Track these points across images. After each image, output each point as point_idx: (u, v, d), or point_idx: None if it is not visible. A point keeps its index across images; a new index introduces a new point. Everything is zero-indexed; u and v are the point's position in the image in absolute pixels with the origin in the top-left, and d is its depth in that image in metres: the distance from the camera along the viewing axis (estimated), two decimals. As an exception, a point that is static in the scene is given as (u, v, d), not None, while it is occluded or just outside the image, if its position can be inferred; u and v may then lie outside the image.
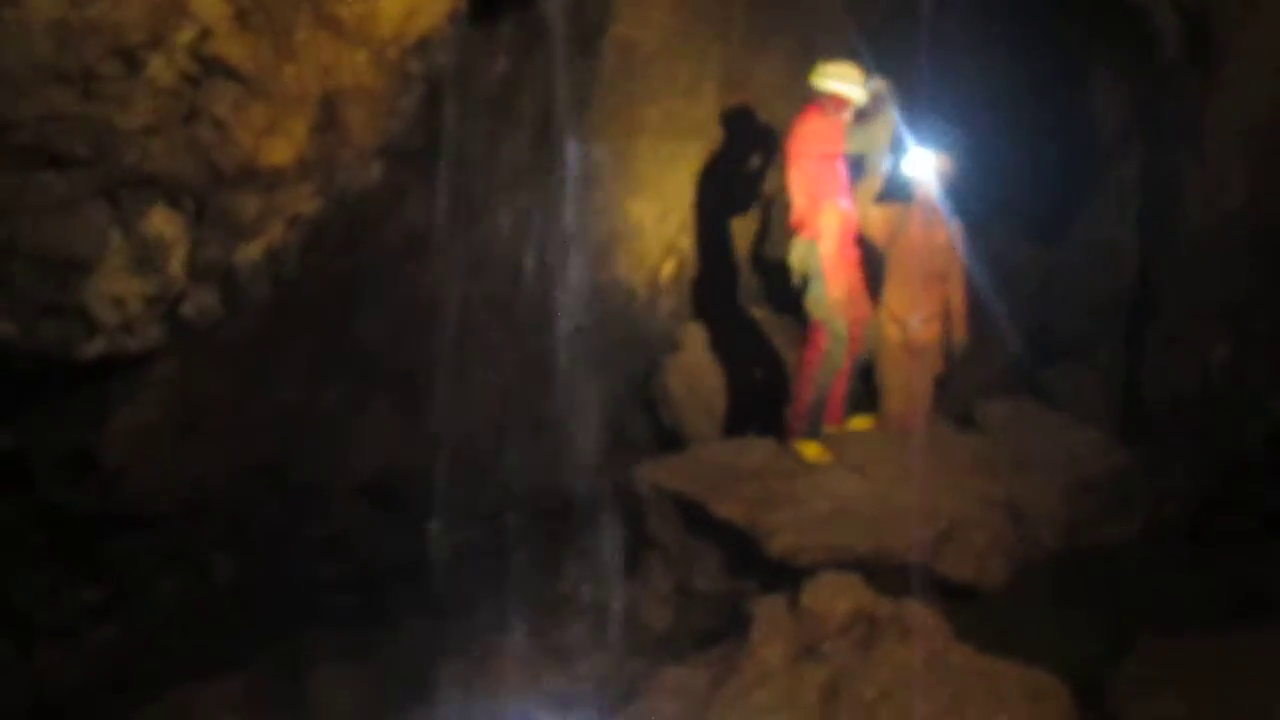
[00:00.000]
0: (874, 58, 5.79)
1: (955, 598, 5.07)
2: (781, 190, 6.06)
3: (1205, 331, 6.04)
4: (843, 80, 5.56)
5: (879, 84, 5.63)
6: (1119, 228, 6.74)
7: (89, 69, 2.38)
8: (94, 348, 2.82)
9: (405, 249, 5.13)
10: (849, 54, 5.79)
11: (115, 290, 2.75)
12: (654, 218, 6.56)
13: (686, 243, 6.88)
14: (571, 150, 5.70)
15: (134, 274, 2.76)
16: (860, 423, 6.21)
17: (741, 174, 6.87)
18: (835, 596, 4.74)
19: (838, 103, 5.59)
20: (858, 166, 5.80)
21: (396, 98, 3.21)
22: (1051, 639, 4.96)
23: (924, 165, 6.02)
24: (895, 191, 6.12)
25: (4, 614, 4.88)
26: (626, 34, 5.78)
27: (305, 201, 3.10)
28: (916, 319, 6.12)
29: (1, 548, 4.80)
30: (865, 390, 6.36)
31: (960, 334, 6.25)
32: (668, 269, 6.78)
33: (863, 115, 5.67)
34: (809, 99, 5.66)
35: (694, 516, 5.55)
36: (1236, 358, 5.96)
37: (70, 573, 5.10)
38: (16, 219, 2.52)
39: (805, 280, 5.71)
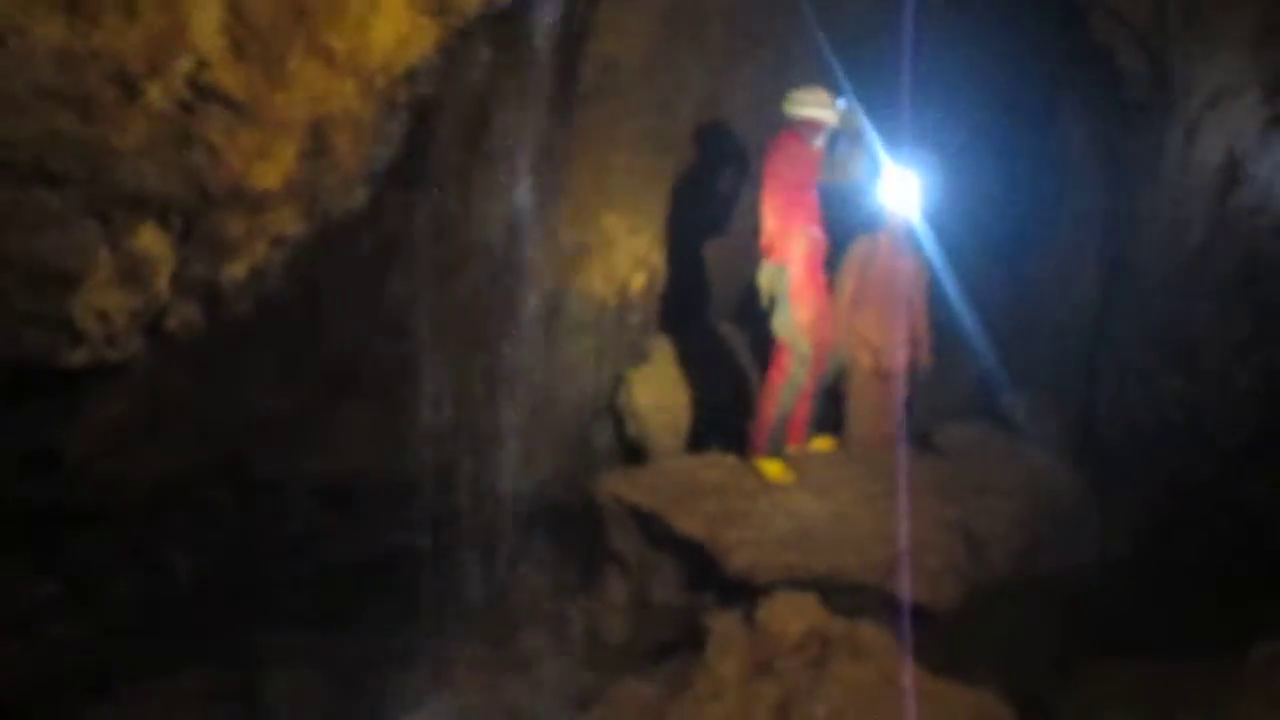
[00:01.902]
0: (848, 79, 5.96)
1: (908, 619, 5.21)
2: (754, 209, 6.21)
3: (1159, 363, 6.24)
4: (815, 106, 5.74)
5: (847, 108, 5.81)
6: (1080, 256, 6.95)
7: (89, 94, 2.49)
8: (77, 357, 2.92)
9: (378, 256, 5.24)
10: (822, 76, 5.97)
11: (101, 304, 2.86)
12: (626, 231, 6.70)
13: (658, 257, 7.02)
14: (547, 163, 5.81)
15: (120, 288, 2.87)
16: (822, 444, 6.38)
17: (715, 191, 7.03)
18: (790, 615, 4.88)
19: (812, 127, 5.77)
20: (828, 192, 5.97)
21: (383, 125, 3.33)
22: (1001, 661, 5.10)
23: (899, 190, 6.19)
24: (866, 218, 6.30)
25: (-41, 606, 4.94)
26: (607, 51, 5.92)
27: (290, 223, 3.22)
28: (889, 345, 6.30)
29: (-42, 541, 4.85)
30: (828, 411, 6.52)
31: (924, 357, 6.45)
32: (638, 282, 6.92)
33: (835, 142, 5.84)
34: (783, 125, 5.81)
35: (654, 530, 5.68)
36: (1188, 390, 6.15)
37: (27, 567, 5.16)
38: (9, 233, 2.63)
39: (772, 302, 5.88)
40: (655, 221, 6.92)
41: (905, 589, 5.29)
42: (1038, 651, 5.22)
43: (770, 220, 5.81)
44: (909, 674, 4.66)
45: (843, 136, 5.85)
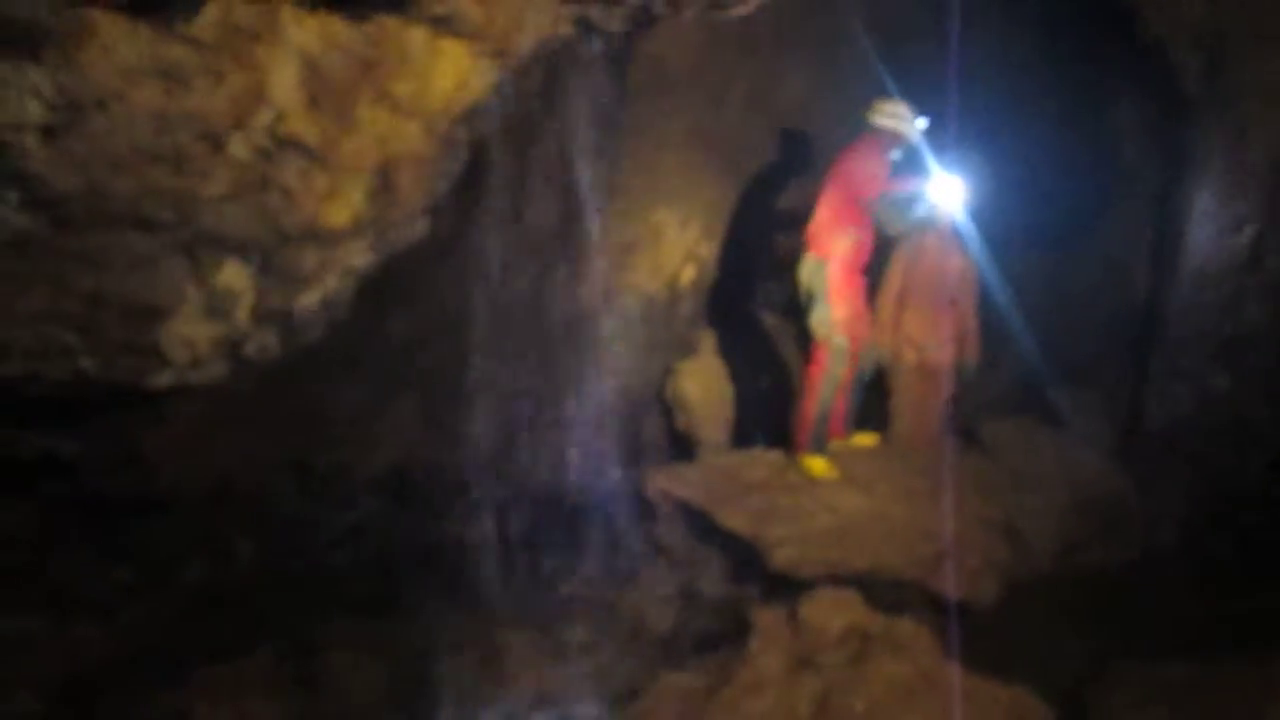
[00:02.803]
0: (894, 78, 6.12)
1: (948, 616, 5.40)
2: (801, 203, 6.40)
3: (1206, 361, 6.35)
4: (899, 119, 5.97)
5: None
6: (1130, 254, 7.07)
7: (180, 150, 2.78)
8: (163, 380, 3.23)
9: (434, 255, 5.49)
10: (868, 73, 6.14)
11: (187, 333, 3.17)
12: (675, 225, 6.91)
13: (706, 250, 7.23)
14: (598, 161, 6.01)
15: (205, 319, 3.17)
16: (864, 439, 6.57)
17: (762, 185, 7.20)
18: (832, 612, 5.10)
19: (892, 138, 5.99)
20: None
21: (443, 162, 3.59)
22: (1039, 658, 5.24)
23: (949, 191, 6.32)
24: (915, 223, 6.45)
25: (43, 590, 5.30)
26: (656, 52, 6.11)
27: (358, 256, 3.50)
28: (934, 343, 6.46)
29: (41, 528, 5.21)
30: (871, 406, 6.69)
31: (973, 356, 6.59)
32: (687, 275, 7.13)
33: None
34: (866, 130, 6.03)
35: (700, 524, 5.92)
36: (1235, 389, 6.26)
37: (104, 553, 5.52)
38: (106, 272, 2.93)
39: (810, 297, 6.07)
40: (704, 216, 7.12)
41: (946, 586, 5.50)
42: (1077, 649, 5.35)
43: (823, 213, 6.01)
44: (948, 671, 4.87)
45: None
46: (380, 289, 5.45)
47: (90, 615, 5.46)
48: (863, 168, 5.97)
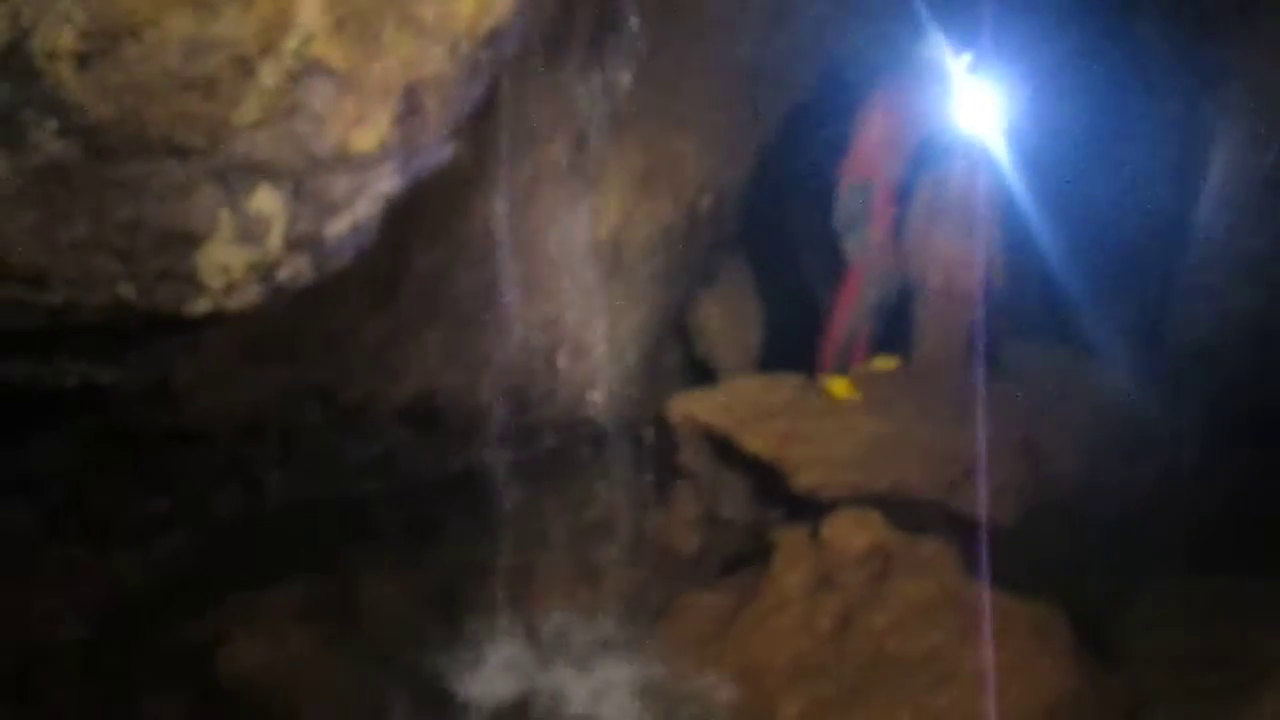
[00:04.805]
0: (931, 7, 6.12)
1: (970, 535, 5.51)
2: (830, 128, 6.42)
3: (1228, 278, 6.39)
4: (950, 56, 6.10)
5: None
6: (1154, 172, 7.06)
7: (211, 76, 2.84)
8: (200, 306, 3.33)
9: (457, 185, 5.54)
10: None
11: (222, 259, 3.26)
12: (695, 153, 6.92)
13: (727, 177, 7.25)
14: (617, 86, 6.02)
15: (239, 245, 3.26)
16: (884, 363, 6.65)
17: (785, 110, 7.19)
18: (853, 531, 5.24)
19: (939, 73, 6.13)
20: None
21: (468, 85, 3.64)
22: (1062, 577, 5.39)
23: (975, 112, 6.33)
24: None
25: (83, 521, 5.48)
26: (671, -23, 6.09)
27: (386, 181, 3.57)
28: (963, 265, 6.50)
29: (80, 461, 5.37)
30: (896, 332, 6.76)
31: (998, 278, 6.63)
32: (706, 203, 7.15)
33: None
34: (909, 65, 6.15)
35: (723, 448, 6.04)
36: (1257, 306, 6.30)
37: (140, 485, 5.68)
38: (144, 200, 3.02)
39: (851, 221, 6.11)
40: (724, 142, 7.13)
41: (968, 506, 5.60)
42: (1100, 567, 5.49)
43: (870, 139, 6.08)
44: (970, 589, 4.99)
45: None
46: (406, 219, 5.52)
47: (128, 544, 5.65)
48: (915, 100, 6.11)
